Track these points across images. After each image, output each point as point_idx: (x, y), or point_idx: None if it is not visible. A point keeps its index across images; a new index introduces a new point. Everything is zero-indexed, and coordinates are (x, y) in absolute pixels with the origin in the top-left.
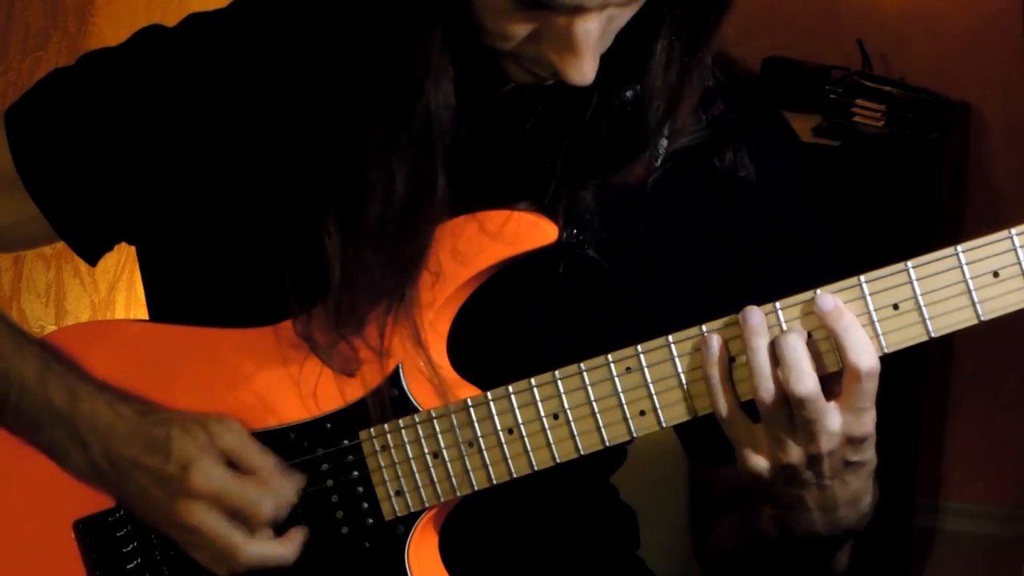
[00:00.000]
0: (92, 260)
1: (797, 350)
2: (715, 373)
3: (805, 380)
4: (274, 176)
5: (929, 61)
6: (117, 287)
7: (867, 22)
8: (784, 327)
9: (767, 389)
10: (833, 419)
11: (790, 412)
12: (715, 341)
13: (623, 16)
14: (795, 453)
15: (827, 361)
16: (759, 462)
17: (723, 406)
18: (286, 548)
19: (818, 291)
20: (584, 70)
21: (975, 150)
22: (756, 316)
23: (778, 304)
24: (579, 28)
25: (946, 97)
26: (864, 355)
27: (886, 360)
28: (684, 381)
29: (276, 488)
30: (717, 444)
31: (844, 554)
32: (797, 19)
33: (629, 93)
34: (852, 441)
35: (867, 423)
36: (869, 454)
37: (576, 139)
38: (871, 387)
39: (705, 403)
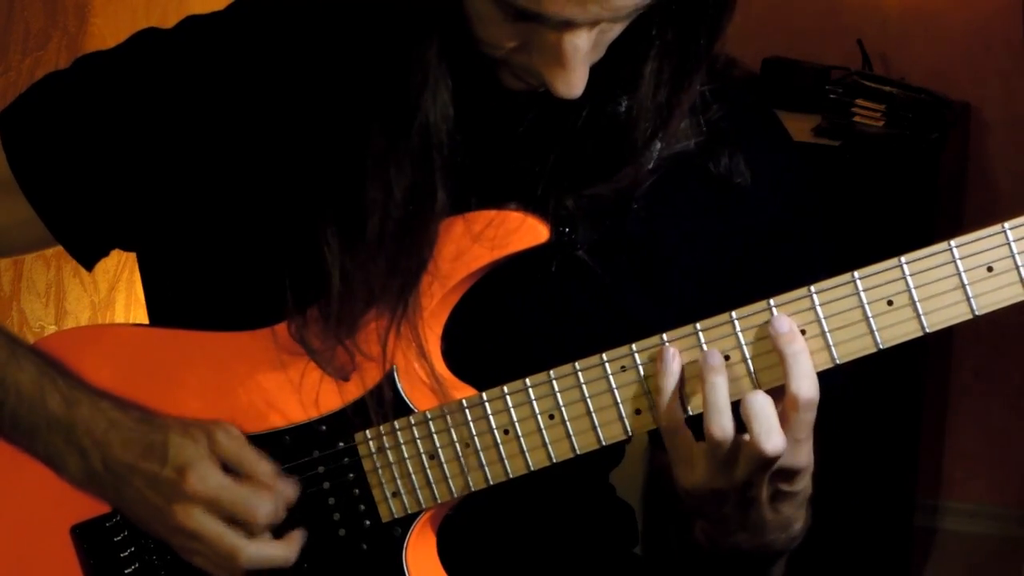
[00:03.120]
0: (88, 264)
1: (766, 409)
2: (669, 384)
3: (775, 438)
4: (270, 180)
5: (929, 61)
6: (117, 287)
7: (867, 22)
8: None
9: (722, 427)
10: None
11: (737, 447)
12: (671, 354)
13: (615, 29)
14: (730, 480)
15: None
16: (693, 481)
17: (672, 420)
18: (287, 549)
19: (774, 310)
20: (572, 83)
21: (975, 150)
22: (715, 357)
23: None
24: (568, 43)
25: (946, 97)
26: (806, 383)
27: (885, 360)
28: (680, 379)
29: (273, 493)
30: None
31: (778, 568)
32: (797, 19)
33: (621, 104)
34: (784, 473)
35: (802, 456)
36: (802, 485)
37: (566, 146)
38: (808, 418)
39: (699, 402)
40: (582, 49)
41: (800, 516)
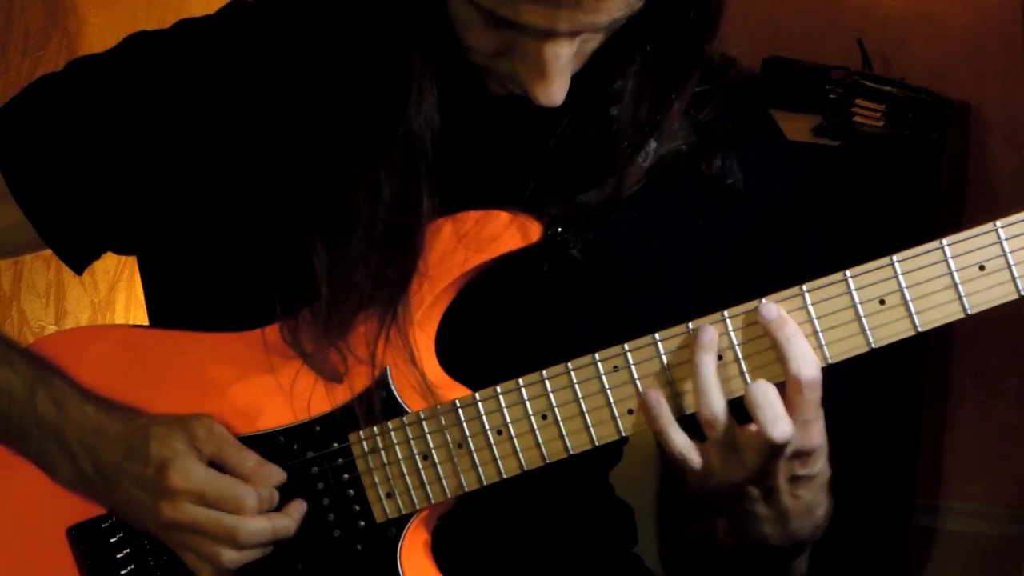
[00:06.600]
0: (78, 268)
1: (769, 396)
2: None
3: (781, 425)
4: (259, 183)
5: (929, 61)
6: (117, 287)
7: (867, 22)
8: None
9: (710, 407)
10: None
11: (735, 433)
12: (710, 333)
13: (596, 39)
14: (744, 471)
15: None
16: (710, 478)
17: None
18: (287, 519)
19: (763, 300)
20: (552, 93)
21: (975, 150)
22: (708, 333)
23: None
24: (549, 52)
25: (946, 97)
26: (805, 365)
27: (885, 360)
28: (672, 379)
29: (258, 481)
30: None
31: (802, 562)
32: (797, 19)
33: (609, 113)
34: (799, 455)
35: (814, 436)
36: (819, 467)
37: (552, 153)
38: (814, 398)
39: (692, 401)
40: (563, 58)
41: (822, 501)
